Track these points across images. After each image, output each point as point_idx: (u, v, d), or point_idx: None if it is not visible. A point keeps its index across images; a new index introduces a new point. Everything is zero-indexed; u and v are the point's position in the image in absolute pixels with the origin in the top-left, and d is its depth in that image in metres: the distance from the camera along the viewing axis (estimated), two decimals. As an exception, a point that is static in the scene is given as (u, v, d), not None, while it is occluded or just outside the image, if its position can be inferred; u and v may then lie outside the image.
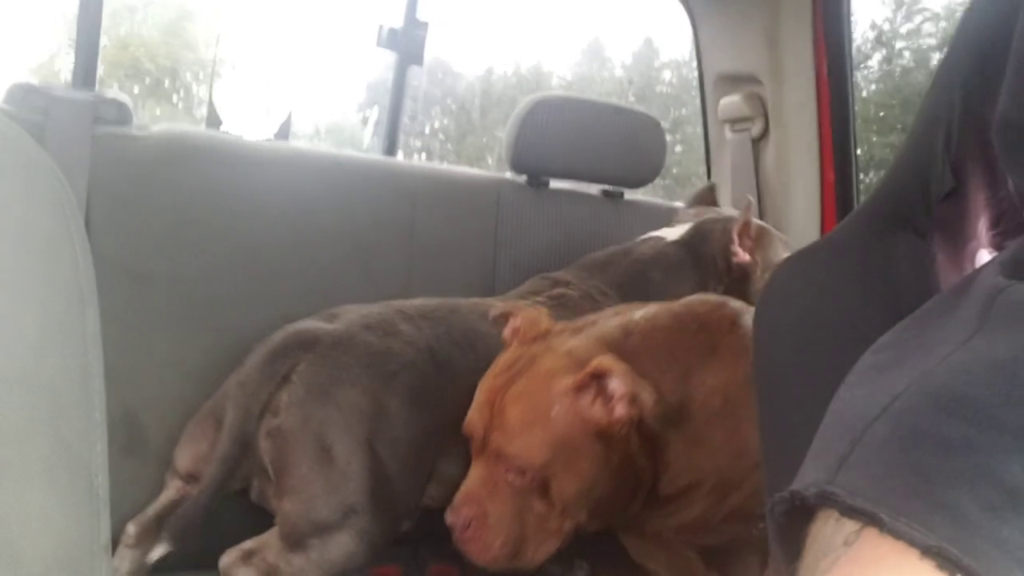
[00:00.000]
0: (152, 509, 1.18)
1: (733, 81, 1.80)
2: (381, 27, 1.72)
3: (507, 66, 4.80)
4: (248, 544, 1.08)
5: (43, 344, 0.35)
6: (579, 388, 1.03)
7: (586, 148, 1.65)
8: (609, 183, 1.77)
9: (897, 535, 0.31)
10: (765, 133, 1.76)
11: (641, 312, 1.17)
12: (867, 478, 0.34)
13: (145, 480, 1.22)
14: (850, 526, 0.33)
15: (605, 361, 1.02)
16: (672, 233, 1.55)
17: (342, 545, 1.07)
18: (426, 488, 1.19)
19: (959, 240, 0.61)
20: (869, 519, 0.32)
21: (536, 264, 1.61)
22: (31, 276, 0.36)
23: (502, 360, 1.12)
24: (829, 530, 0.34)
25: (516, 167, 1.65)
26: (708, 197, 1.67)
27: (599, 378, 1.02)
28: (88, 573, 0.35)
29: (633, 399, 1.01)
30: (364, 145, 1.78)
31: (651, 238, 1.55)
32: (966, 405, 0.34)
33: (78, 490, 0.35)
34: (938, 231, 0.63)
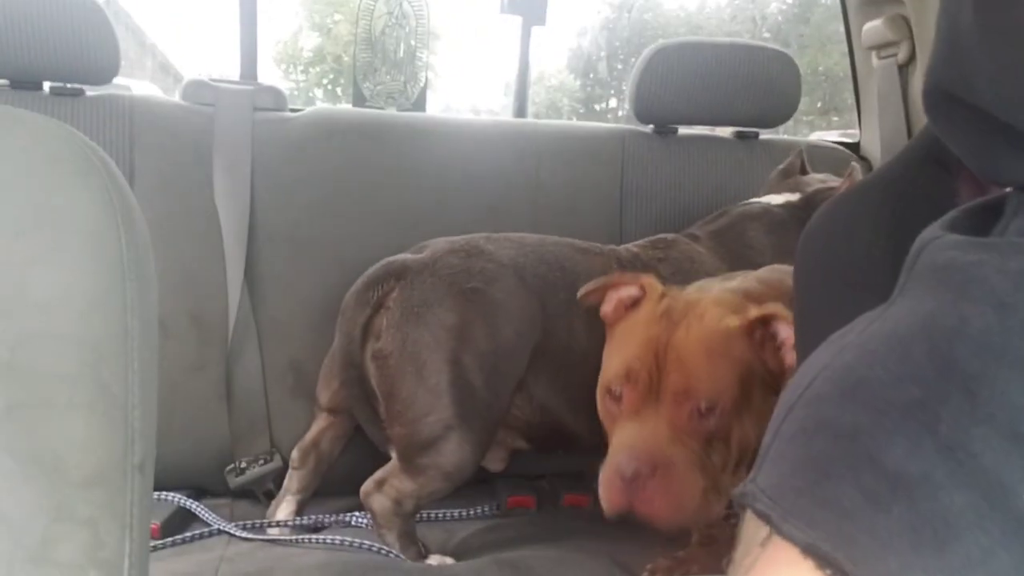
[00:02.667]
0: (308, 436, 1.38)
1: (876, 4, 1.68)
2: (504, -8, 1.78)
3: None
4: (378, 474, 1.23)
5: (89, 309, 0.47)
6: (748, 331, 1.00)
7: (712, 91, 1.63)
8: (741, 125, 1.73)
9: (783, 536, 0.31)
10: (912, 58, 1.62)
11: (735, 282, 1.13)
12: (775, 475, 0.34)
13: (309, 416, 1.41)
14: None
15: (777, 308, 0.98)
16: (777, 199, 1.50)
17: (449, 454, 1.19)
18: (514, 399, 1.27)
19: None
20: (767, 521, 0.32)
21: (665, 213, 1.62)
22: (80, 254, 0.47)
23: (644, 314, 1.06)
24: (752, 528, 0.34)
25: (641, 117, 1.66)
26: (798, 166, 1.58)
27: (766, 324, 0.99)
28: (121, 485, 0.46)
29: None
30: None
31: (754, 202, 1.51)
32: (861, 388, 0.33)
33: (115, 422, 0.46)
34: (964, 166, 0.60)
